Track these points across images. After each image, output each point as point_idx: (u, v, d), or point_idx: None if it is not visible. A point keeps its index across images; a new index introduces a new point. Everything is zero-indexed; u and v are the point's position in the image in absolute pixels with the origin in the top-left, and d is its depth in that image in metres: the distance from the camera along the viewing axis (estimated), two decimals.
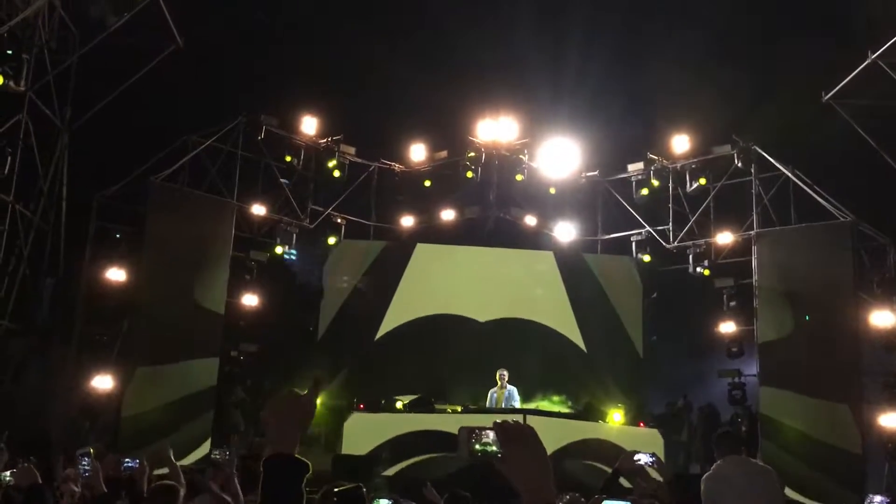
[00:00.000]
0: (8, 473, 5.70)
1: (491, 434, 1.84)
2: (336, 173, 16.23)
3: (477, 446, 1.85)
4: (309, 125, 16.02)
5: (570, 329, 16.24)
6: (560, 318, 16.31)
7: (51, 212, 13.74)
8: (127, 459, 5.41)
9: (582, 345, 16.12)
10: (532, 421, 11.10)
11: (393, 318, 16.21)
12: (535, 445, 1.83)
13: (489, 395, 13.40)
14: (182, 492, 4.89)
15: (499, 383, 13.27)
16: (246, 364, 14.81)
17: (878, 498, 4.39)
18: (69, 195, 13.89)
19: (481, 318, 16.13)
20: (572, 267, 16.77)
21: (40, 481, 4.95)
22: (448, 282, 16.43)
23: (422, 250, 16.71)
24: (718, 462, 5.75)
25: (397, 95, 16.37)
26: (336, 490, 4.71)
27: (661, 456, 12.51)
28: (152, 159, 13.88)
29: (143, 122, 14.54)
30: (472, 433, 1.85)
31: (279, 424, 1.96)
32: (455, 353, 15.66)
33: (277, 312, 15.45)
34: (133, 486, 4.97)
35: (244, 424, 14.15)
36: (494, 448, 1.84)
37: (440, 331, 16.02)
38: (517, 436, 1.84)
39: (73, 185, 13.92)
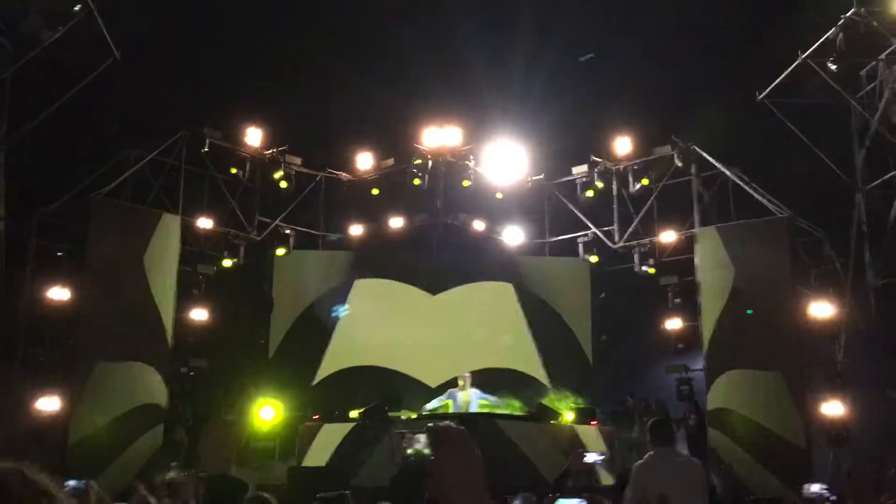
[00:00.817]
0: None
1: (423, 438, 1.87)
2: (283, 184, 16.14)
3: (409, 451, 1.88)
4: (253, 136, 15.91)
5: (520, 332, 16.38)
6: (511, 321, 16.45)
7: None
8: (71, 482, 5.29)
9: (534, 346, 16.28)
10: (486, 424, 11.22)
11: (344, 332, 16.14)
12: (468, 449, 1.82)
13: (452, 396, 13.40)
14: None
15: (460, 384, 13.35)
16: (196, 380, 14.62)
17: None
18: (7, 213, 13.54)
19: (430, 332, 16.16)
20: (522, 271, 16.93)
21: None
22: (397, 293, 16.43)
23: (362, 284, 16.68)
24: (650, 452, 5.92)
25: (342, 104, 16.35)
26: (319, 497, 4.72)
27: (614, 453, 12.77)
28: (93, 175, 13.63)
29: (83, 137, 14.28)
30: (403, 438, 1.88)
31: (217, 447, 1.88)
32: (408, 360, 15.69)
33: (227, 327, 15.28)
34: None
35: (188, 442, 13.95)
36: (426, 452, 1.84)
37: (393, 339, 16.02)
38: (449, 439, 1.83)
39: (10, 202, 13.57)
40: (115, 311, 13.27)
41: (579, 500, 3.21)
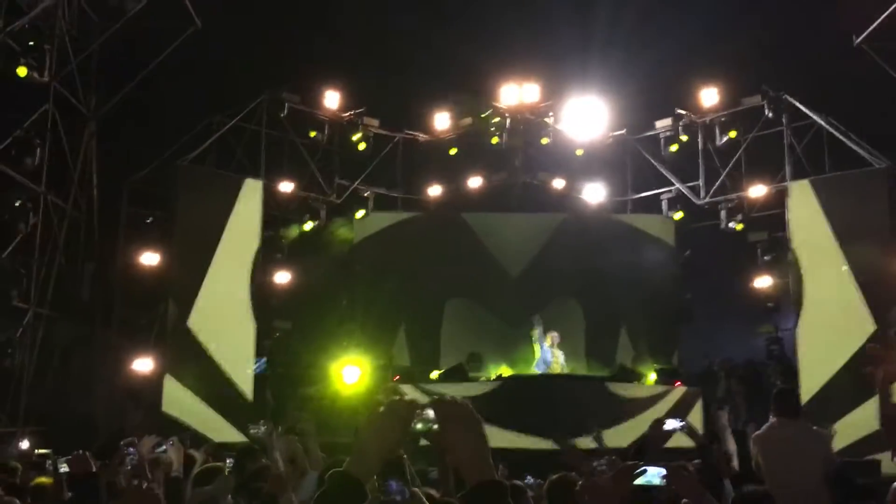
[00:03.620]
0: (63, 461, 5.79)
1: (430, 413, 1.84)
2: (361, 146, 16.22)
3: (419, 425, 1.85)
4: (331, 99, 15.99)
5: (602, 292, 16.09)
6: (592, 281, 16.18)
7: (82, 200, 13.91)
8: (161, 447, 5.51)
9: (616, 306, 16.00)
10: (569, 384, 11.14)
11: (424, 290, 16.19)
12: (472, 423, 1.83)
13: (542, 349, 13.35)
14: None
15: (550, 341, 13.34)
16: (281, 341, 14.99)
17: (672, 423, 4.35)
18: (99, 182, 14.05)
19: (514, 286, 16.07)
20: (602, 228, 16.61)
21: (94, 469, 5.01)
22: (476, 253, 16.36)
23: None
24: (771, 422, 5.63)
25: (419, 64, 16.23)
26: None
27: (700, 415, 12.50)
28: (178, 142, 13.99)
29: (168, 105, 14.63)
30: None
31: (366, 441, 1.87)
32: (492, 322, 15.68)
33: (310, 289, 15.55)
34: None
35: (274, 402, 14.35)
36: (435, 427, 1.84)
37: (477, 299, 16.02)
38: (454, 414, 1.83)
39: (102, 172, 14.07)
40: (202, 274, 13.65)
41: (659, 468, 3.11)
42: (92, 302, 14.09)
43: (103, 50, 13.92)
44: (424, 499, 2.60)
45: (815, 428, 6.02)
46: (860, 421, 12.16)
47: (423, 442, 1.99)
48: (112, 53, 13.99)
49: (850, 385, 12.81)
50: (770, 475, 5.25)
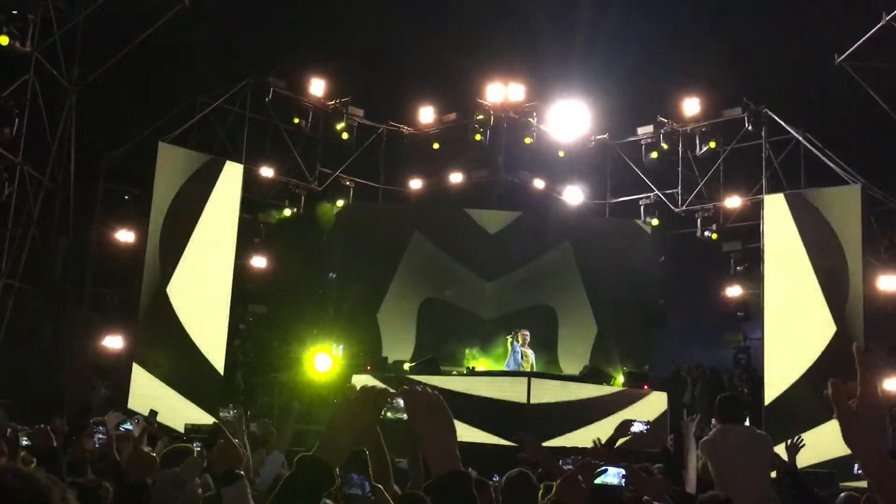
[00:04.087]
0: (24, 435, 5.78)
1: (401, 402, 1.87)
2: (344, 135, 16.21)
3: (389, 414, 1.88)
4: (317, 87, 15.96)
5: (577, 293, 16.23)
6: (568, 283, 16.31)
7: (59, 173, 13.77)
8: (126, 425, 5.52)
9: (589, 308, 16.14)
10: (538, 384, 11.14)
11: (401, 284, 16.23)
12: (442, 414, 1.85)
13: (513, 349, 13.38)
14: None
15: (521, 340, 13.37)
16: (254, 325, 14.96)
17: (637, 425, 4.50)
18: (77, 156, 13.91)
19: (489, 284, 16.15)
20: (580, 230, 16.74)
21: (55, 444, 5.01)
22: (456, 247, 16.41)
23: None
24: (716, 427, 5.82)
25: (406, 57, 16.28)
26: None
27: (667, 418, 12.67)
28: (161, 120, 13.88)
29: (151, 82, 14.52)
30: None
31: (336, 427, 1.89)
32: (466, 318, 15.74)
33: (286, 275, 15.53)
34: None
35: (244, 386, 14.33)
36: (402, 415, 1.87)
37: (453, 293, 16.07)
38: (423, 404, 1.85)
39: (81, 145, 13.93)
40: (177, 255, 13.58)
41: (619, 468, 3.20)
42: (64, 277, 13.98)
43: (88, 23, 13.76)
44: (386, 494, 2.64)
45: (759, 432, 6.22)
46: (825, 433, 12.39)
47: (392, 432, 2.03)
48: (97, 27, 13.83)
49: (813, 397, 13.04)
50: (719, 480, 5.40)
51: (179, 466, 5.08)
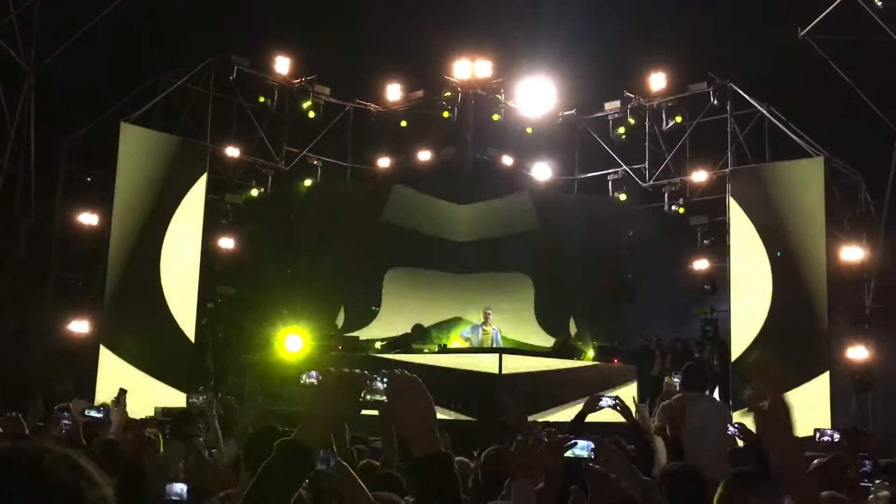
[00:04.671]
0: None
1: (379, 384, 1.88)
2: (311, 114, 16.06)
3: (367, 396, 1.89)
4: (282, 65, 15.77)
5: (547, 268, 16.34)
6: (537, 257, 16.40)
7: (20, 155, 13.49)
8: (91, 412, 5.47)
9: (559, 284, 16.25)
10: (509, 359, 11.18)
11: (371, 262, 16.21)
12: (420, 396, 1.86)
13: (475, 329, 13.50)
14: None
15: (482, 319, 13.45)
16: (223, 307, 14.85)
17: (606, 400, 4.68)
18: (38, 138, 13.62)
19: (458, 261, 16.17)
20: (549, 207, 16.81)
21: (27, 432, 4.95)
22: (424, 228, 16.41)
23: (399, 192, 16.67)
24: (678, 394, 5.95)
25: (372, 34, 16.10)
26: None
27: (634, 392, 12.81)
28: (122, 101, 13.63)
29: (112, 62, 14.22)
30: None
31: (314, 410, 1.88)
32: (434, 296, 15.76)
33: (254, 255, 15.41)
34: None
35: (215, 367, 14.25)
36: (382, 397, 1.87)
37: (419, 273, 16.08)
38: (403, 387, 1.87)
39: (41, 127, 13.64)
40: (143, 237, 13.41)
41: (588, 442, 3.25)
42: (27, 260, 13.73)
43: (45, 2, 13.44)
44: (351, 471, 2.65)
45: (719, 402, 6.42)
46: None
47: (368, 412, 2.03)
48: (54, 6, 13.51)
49: (782, 366, 13.25)
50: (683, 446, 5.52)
51: (163, 451, 5.08)
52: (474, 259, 16.26)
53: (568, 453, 3.24)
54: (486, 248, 16.41)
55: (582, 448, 3.23)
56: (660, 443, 6.25)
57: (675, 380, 5.97)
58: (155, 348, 13.19)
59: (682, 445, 5.50)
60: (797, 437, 1.82)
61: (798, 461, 1.77)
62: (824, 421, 12.34)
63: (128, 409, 6.97)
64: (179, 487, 4.06)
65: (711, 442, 5.47)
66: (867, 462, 4.62)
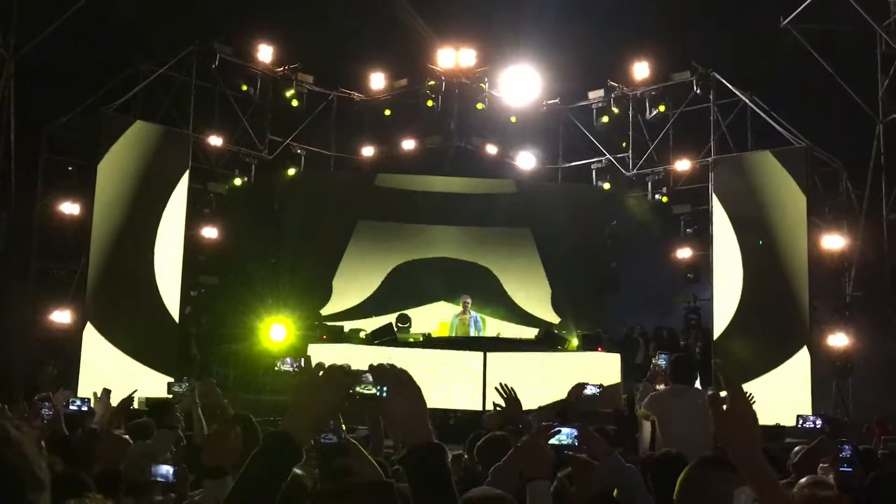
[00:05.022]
0: None
1: (369, 377, 1.89)
2: (294, 103, 15.97)
3: (358, 388, 1.90)
4: (265, 53, 15.66)
5: (530, 256, 16.41)
6: (521, 246, 16.46)
7: None
8: (74, 405, 5.44)
9: (542, 271, 16.33)
10: (491, 348, 11.19)
11: (354, 251, 16.22)
12: (410, 388, 1.88)
13: (452, 319, 13.60)
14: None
15: (461, 308, 13.51)
16: (207, 297, 14.80)
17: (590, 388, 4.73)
18: (17, 127, 13.48)
19: (443, 249, 16.20)
20: (533, 195, 16.86)
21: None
22: (408, 215, 16.43)
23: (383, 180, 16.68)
24: (668, 387, 5.95)
25: (356, 22, 16.01)
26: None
27: (619, 380, 12.90)
28: (102, 89, 13.49)
29: (92, 50, 14.06)
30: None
31: (303, 403, 1.89)
32: (418, 281, 15.79)
33: (238, 245, 15.35)
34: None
35: (201, 357, 14.21)
36: (373, 391, 1.89)
37: (403, 260, 16.10)
38: (393, 380, 1.88)
39: (20, 116, 13.49)
40: (126, 226, 13.32)
41: (571, 429, 3.29)
42: (7, 251, 13.61)
43: None
44: (361, 448, 2.66)
45: (709, 392, 6.42)
46: (769, 386, 12.79)
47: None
48: None
49: (761, 353, 13.42)
50: (668, 437, 5.52)
51: (151, 439, 5.09)
52: (459, 245, 16.29)
53: (552, 441, 3.28)
54: (470, 235, 16.44)
55: (566, 435, 3.27)
56: (646, 430, 6.30)
57: (661, 361, 5.91)
58: (139, 339, 13.12)
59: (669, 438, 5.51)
60: (757, 436, 1.84)
61: (757, 459, 1.80)
62: (805, 408, 12.49)
63: (112, 403, 6.96)
64: (165, 469, 4.07)
65: (698, 435, 5.42)
66: (846, 448, 4.68)
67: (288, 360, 5.00)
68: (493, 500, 2.52)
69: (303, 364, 5.44)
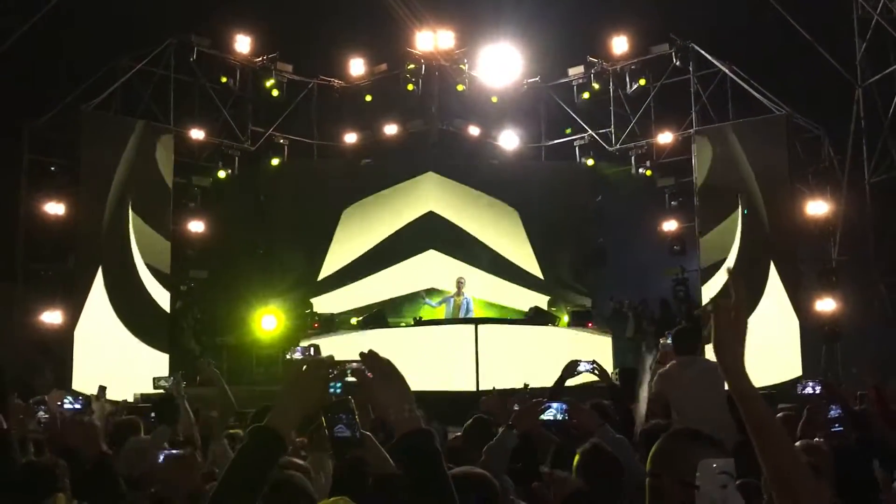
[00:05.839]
0: None
1: (353, 367, 1.93)
2: (274, 92, 15.91)
3: (347, 378, 1.94)
4: (242, 44, 15.58)
5: (518, 237, 16.46)
6: (508, 225, 16.51)
7: None
8: (67, 405, 5.46)
9: (531, 251, 16.39)
10: (483, 328, 11.24)
11: (342, 238, 16.22)
12: (394, 377, 1.92)
13: (447, 301, 13.64)
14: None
15: (456, 289, 13.57)
16: (197, 290, 14.79)
17: (584, 364, 4.93)
18: None
19: (431, 231, 16.22)
20: (518, 174, 16.89)
21: (5, 426, 4.92)
22: (394, 202, 16.45)
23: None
24: (674, 361, 5.85)
25: (331, 8, 15.91)
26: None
27: (610, 354, 13.01)
28: (82, 87, 13.39)
29: (70, 47, 13.92)
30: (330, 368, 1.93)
31: (288, 397, 1.93)
32: (410, 268, 15.82)
33: (225, 238, 15.32)
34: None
35: (199, 350, 14.23)
36: (354, 379, 1.94)
37: (395, 245, 16.12)
38: (377, 369, 1.92)
39: (0, 116, 13.36)
40: (113, 225, 13.28)
41: (561, 403, 3.36)
42: None
43: None
44: (375, 441, 2.71)
45: (712, 361, 6.33)
46: (761, 354, 12.88)
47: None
48: None
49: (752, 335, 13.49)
50: (680, 412, 5.46)
51: (150, 434, 5.13)
52: (446, 205, 16.32)
53: (543, 416, 3.34)
54: (453, 191, 16.52)
55: (556, 410, 3.34)
56: (641, 402, 6.31)
57: (669, 341, 5.87)
58: (132, 337, 13.12)
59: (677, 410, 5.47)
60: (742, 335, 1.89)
61: (739, 357, 1.88)
62: (795, 372, 12.64)
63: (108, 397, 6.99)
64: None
65: (707, 405, 5.35)
66: (834, 407, 4.75)
67: (299, 348, 5.07)
68: (472, 478, 2.57)
69: (312, 353, 5.49)
